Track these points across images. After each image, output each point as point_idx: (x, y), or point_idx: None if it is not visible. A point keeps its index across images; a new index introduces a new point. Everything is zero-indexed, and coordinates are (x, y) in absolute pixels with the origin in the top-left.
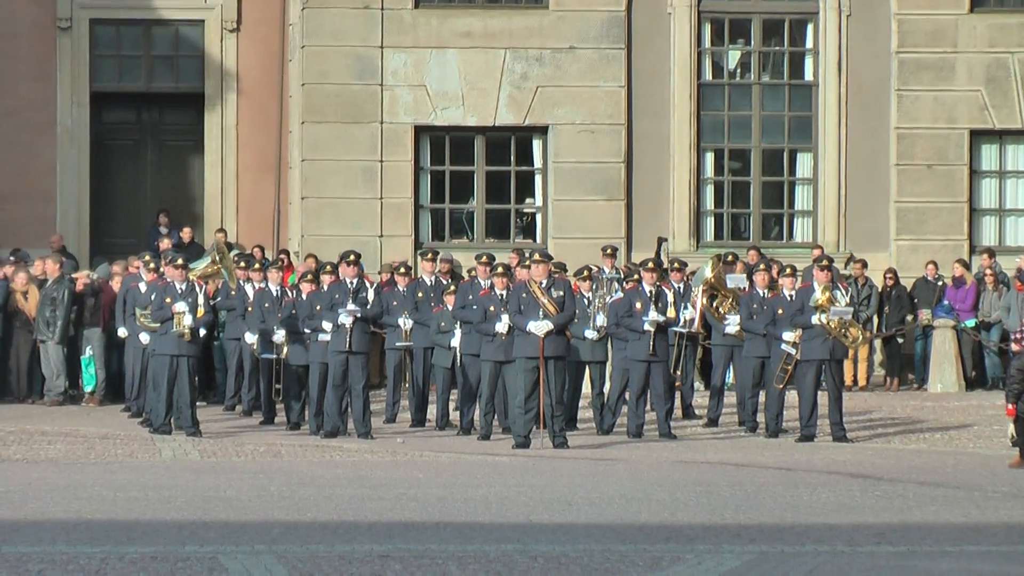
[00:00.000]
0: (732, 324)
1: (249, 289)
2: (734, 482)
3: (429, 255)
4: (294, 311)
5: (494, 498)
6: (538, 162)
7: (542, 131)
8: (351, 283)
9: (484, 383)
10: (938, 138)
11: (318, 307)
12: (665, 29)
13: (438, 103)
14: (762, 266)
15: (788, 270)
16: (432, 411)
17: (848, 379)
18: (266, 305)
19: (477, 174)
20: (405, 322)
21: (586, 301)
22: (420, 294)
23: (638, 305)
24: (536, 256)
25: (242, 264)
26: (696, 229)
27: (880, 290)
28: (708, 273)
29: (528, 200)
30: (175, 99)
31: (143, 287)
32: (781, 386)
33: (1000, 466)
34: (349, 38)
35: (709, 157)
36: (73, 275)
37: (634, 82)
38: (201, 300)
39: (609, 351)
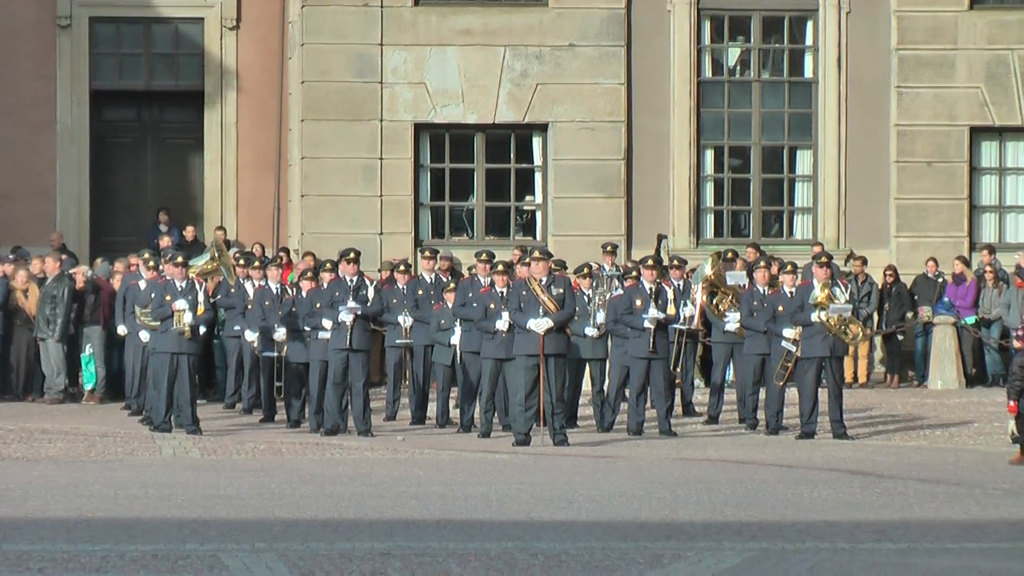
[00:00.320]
0: (732, 321)
1: (249, 287)
2: (735, 479)
3: (428, 253)
4: (294, 309)
5: (495, 496)
6: (538, 159)
7: (542, 128)
8: (351, 281)
9: (484, 381)
10: (938, 135)
11: (318, 305)
12: (665, 26)
13: (438, 101)
14: (762, 263)
15: (788, 267)
16: (432, 409)
17: (848, 376)
18: (266, 303)
19: (477, 171)
20: (405, 319)
21: (586, 298)
22: (420, 292)
23: (638, 302)
24: (536, 253)
25: (241, 262)
26: (696, 226)
27: (880, 287)
28: (708, 270)
29: (528, 197)
30: (175, 97)
31: (143, 285)
32: (781, 383)
33: (1000, 463)
34: (349, 36)
35: (709, 154)
36: (72, 271)
37: (634, 79)
38: (201, 298)
39: (609, 348)
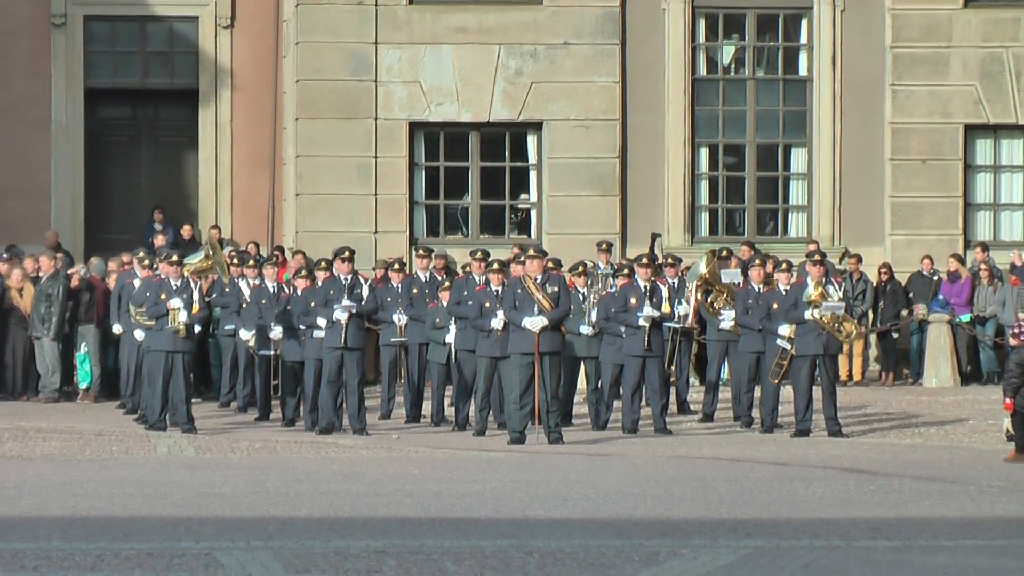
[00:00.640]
0: (727, 319)
1: (244, 285)
2: (729, 477)
3: (422, 251)
4: (289, 307)
5: (490, 494)
6: (532, 158)
7: (536, 127)
8: (346, 280)
9: (480, 379)
10: (933, 133)
11: (313, 303)
12: (659, 24)
13: (432, 99)
14: (757, 261)
15: (783, 265)
16: (427, 407)
17: (843, 374)
18: (263, 302)
19: (472, 170)
20: (400, 318)
21: (581, 297)
22: (415, 290)
23: (633, 300)
24: (531, 252)
25: (236, 260)
26: (691, 224)
27: (875, 285)
28: (703, 268)
29: (523, 196)
30: (170, 95)
31: (138, 283)
32: (776, 381)
33: (995, 460)
34: (343, 34)
35: (704, 152)
36: (69, 271)
37: (628, 77)
38: (196, 296)
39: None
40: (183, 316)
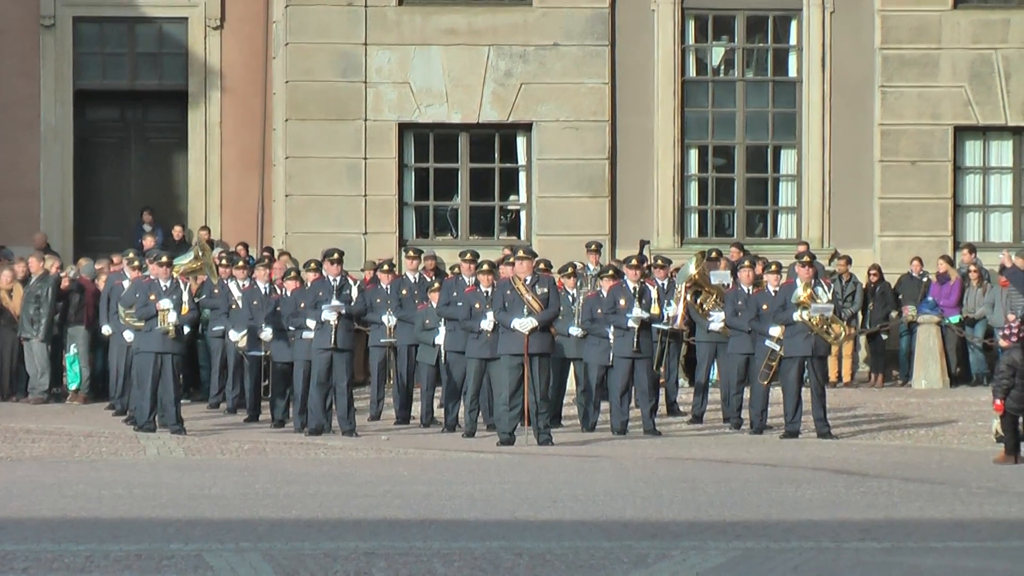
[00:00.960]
0: (716, 321)
1: (233, 287)
2: (719, 479)
3: (412, 252)
4: (278, 308)
5: (479, 495)
6: (522, 159)
7: (526, 128)
8: (335, 281)
9: (469, 380)
10: (922, 134)
11: (302, 304)
12: (649, 26)
13: (422, 100)
14: (746, 262)
15: (772, 266)
16: (417, 408)
17: (833, 375)
18: (255, 303)
19: (461, 171)
20: (389, 319)
21: (571, 298)
22: (404, 291)
23: (622, 302)
24: (520, 253)
25: (225, 262)
26: (680, 226)
27: (864, 286)
28: (692, 270)
29: (512, 197)
30: (159, 97)
31: (127, 285)
32: (766, 382)
33: (985, 462)
34: (333, 35)
35: (693, 154)
36: (53, 267)
37: (618, 79)
38: (186, 297)
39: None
40: (172, 317)
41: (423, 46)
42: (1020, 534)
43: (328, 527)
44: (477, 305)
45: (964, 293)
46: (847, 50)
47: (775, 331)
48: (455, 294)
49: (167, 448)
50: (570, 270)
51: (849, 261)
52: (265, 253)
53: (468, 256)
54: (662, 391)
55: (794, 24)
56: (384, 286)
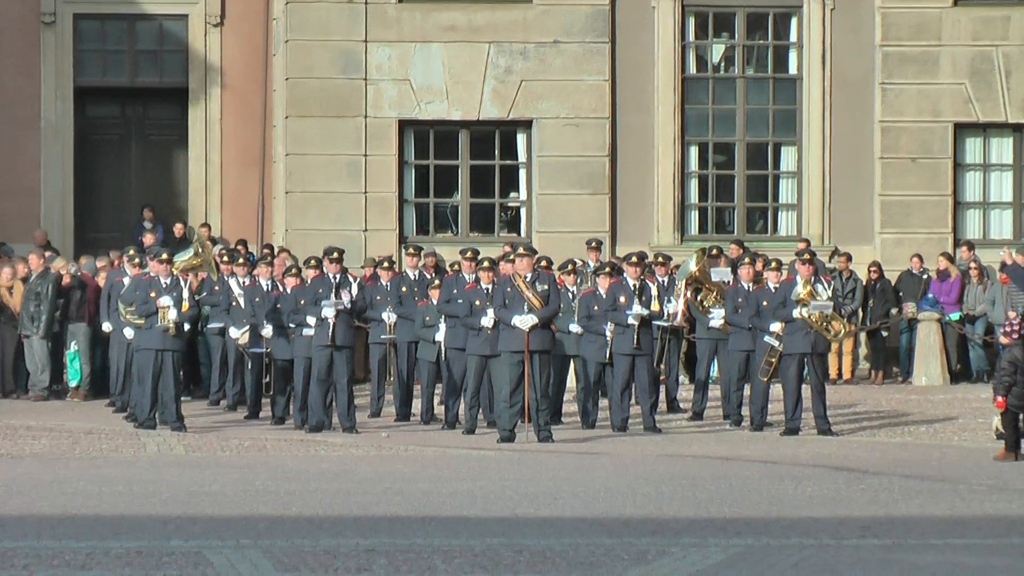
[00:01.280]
0: (716, 318)
1: (233, 283)
2: (719, 476)
3: (412, 249)
4: (279, 306)
5: (479, 492)
6: (522, 156)
7: (526, 125)
8: (335, 278)
9: (469, 377)
10: (922, 131)
11: (302, 301)
12: (649, 23)
13: (422, 97)
14: (747, 259)
15: (773, 263)
16: (417, 405)
17: (833, 372)
18: (256, 300)
19: (461, 168)
20: (389, 316)
21: (571, 295)
22: (404, 288)
23: (622, 299)
24: (520, 250)
25: (225, 259)
26: (680, 223)
27: (864, 283)
28: (692, 267)
29: (512, 194)
30: (159, 94)
31: (127, 282)
32: (766, 379)
33: (985, 459)
34: (333, 32)
35: (693, 151)
36: (60, 270)
37: (618, 76)
38: (186, 295)
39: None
40: (172, 314)
41: (423, 43)
42: (1020, 531)
43: (328, 524)
44: (477, 302)
45: (964, 290)
46: (847, 47)
47: (776, 327)
48: (455, 291)
49: (167, 445)
50: (570, 267)
51: (849, 258)
52: (265, 250)
53: (468, 253)
54: (662, 388)
55: (794, 21)
56: (384, 283)
